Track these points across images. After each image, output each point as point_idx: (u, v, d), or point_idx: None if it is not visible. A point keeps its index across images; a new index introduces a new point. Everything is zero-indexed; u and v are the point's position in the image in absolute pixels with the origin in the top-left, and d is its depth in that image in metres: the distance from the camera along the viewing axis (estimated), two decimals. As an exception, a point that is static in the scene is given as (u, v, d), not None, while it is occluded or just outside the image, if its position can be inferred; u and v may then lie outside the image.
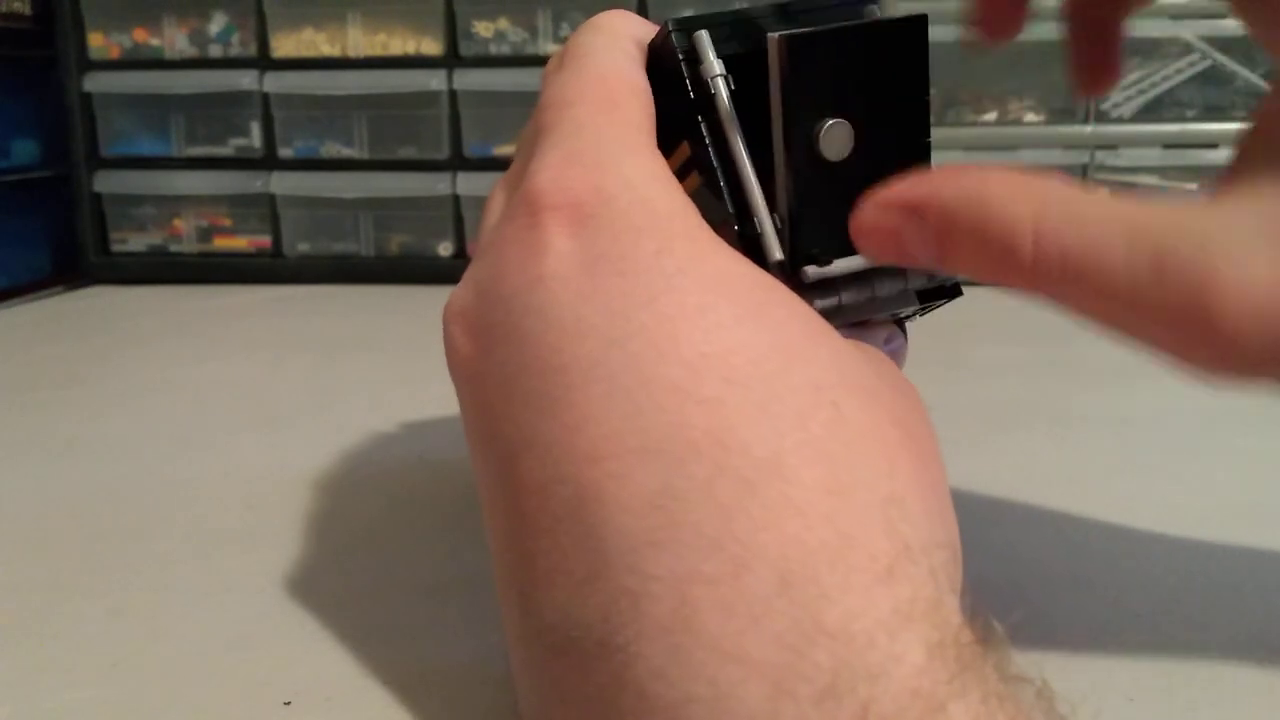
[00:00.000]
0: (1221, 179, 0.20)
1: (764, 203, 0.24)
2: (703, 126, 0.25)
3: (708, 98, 0.25)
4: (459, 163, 0.92)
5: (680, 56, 0.25)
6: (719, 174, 0.25)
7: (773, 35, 0.24)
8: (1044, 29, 0.95)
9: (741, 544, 0.18)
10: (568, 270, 0.21)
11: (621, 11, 0.27)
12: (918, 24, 0.25)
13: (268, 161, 0.94)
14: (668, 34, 0.25)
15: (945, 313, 0.31)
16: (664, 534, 0.18)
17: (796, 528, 0.18)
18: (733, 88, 0.25)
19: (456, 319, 0.23)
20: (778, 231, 0.24)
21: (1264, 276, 0.17)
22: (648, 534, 0.18)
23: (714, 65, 0.25)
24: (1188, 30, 0.83)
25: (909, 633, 0.17)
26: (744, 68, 0.25)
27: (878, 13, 0.27)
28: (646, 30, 0.27)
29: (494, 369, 0.22)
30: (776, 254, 0.24)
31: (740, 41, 0.25)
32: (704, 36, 0.25)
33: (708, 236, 0.22)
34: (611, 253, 0.21)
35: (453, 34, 0.90)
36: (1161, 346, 0.19)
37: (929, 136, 0.26)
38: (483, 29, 0.90)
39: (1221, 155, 0.83)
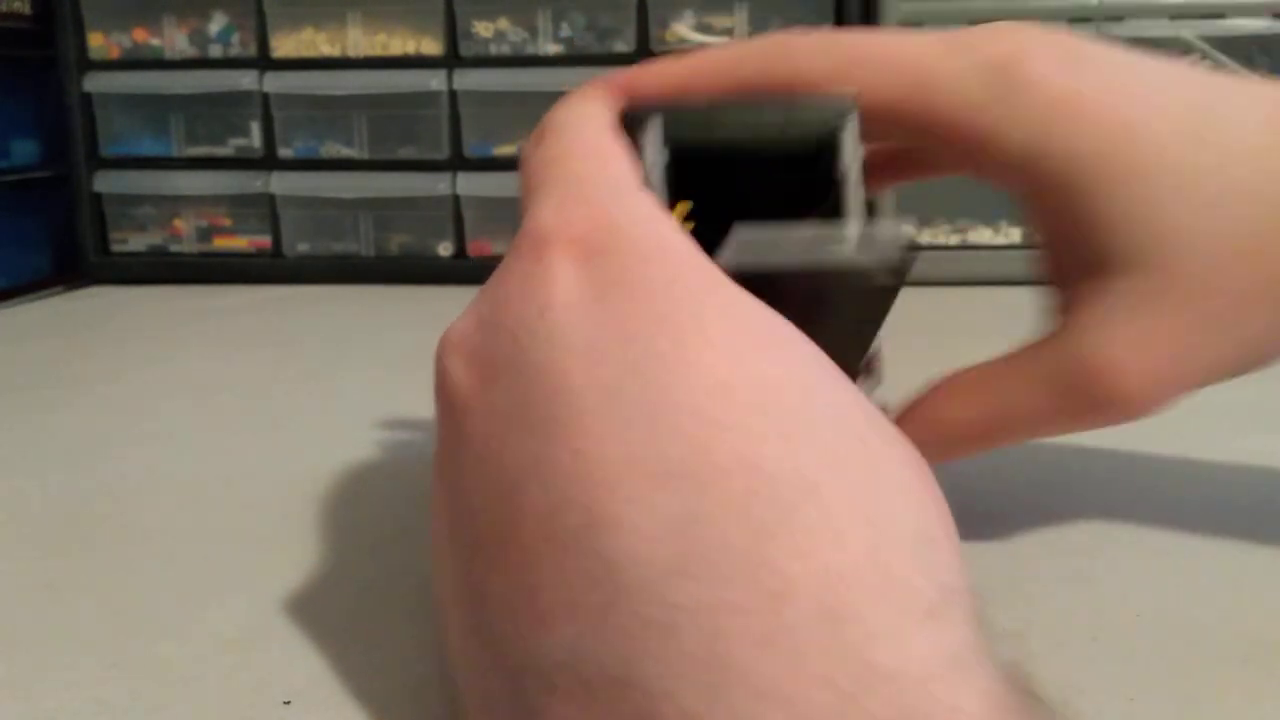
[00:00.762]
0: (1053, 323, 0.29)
1: None
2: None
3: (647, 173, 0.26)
4: (459, 163, 0.92)
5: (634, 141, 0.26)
6: None
7: (721, 259, 0.24)
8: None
9: (778, 572, 0.16)
10: (577, 298, 0.20)
11: (595, 85, 0.27)
12: (877, 276, 0.24)
13: (268, 161, 0.94)
14: (625, 122, 0.26)
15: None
16: (690, 561, 0.17)
17: (836, 557, 0.16)
18: (673, 180, 0.26)
19: (455, 350, 0.22)
20: None
21: (1124, 357, 0.27)
22: (671, 561, 0.17)
23: (656, 156, 0.26)
24: (1188, 30, 0.83)
25: (964, 681, 0.16)
26: (702, 167, 0.26)
27: (852, 116, 0.26)
28: (616, 105, 0.27)
29: (497, 398, 0.20)
30: None
31: (700, 133, 0.27)
32: (656, 123, 0.26)
33: (713, 269, 0.21)
34: (623, 280, 0.20)
35: (453, 34, 0.90)
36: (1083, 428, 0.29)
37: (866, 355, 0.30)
38: (483, 29, 0.90)
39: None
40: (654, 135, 0.26)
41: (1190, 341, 0.26)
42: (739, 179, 0.29)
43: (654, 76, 0.28)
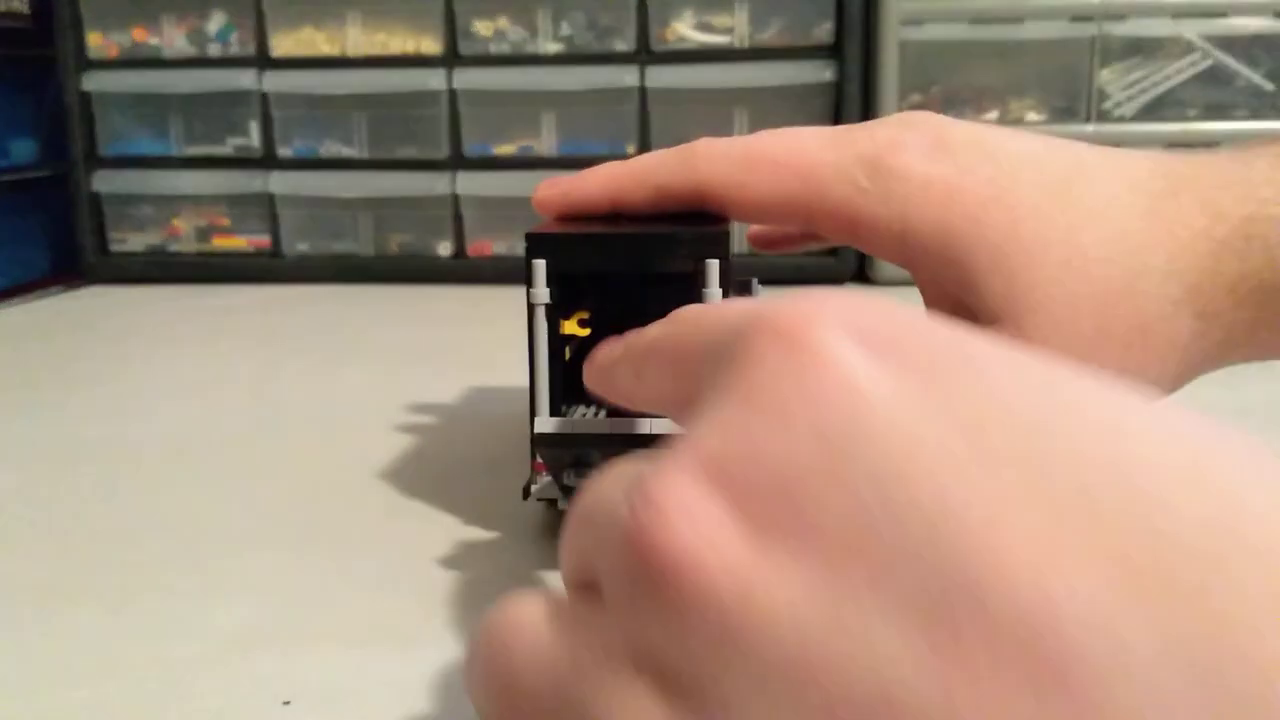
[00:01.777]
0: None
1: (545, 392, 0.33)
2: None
3: (531, 308, 0.32)
4: (458, 162, 0.92)
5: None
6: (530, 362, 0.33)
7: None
8: (1045, 28, 0.96)
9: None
10: (880, 376, 0.15)
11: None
12: None
13: (267, 161, 0.94)
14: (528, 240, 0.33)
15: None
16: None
17: None
18: (554, 305, 0.32)
19: (699, 508, 0.15)
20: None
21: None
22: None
23: (541, 294, 0.32)
24: (1189, 29, 0.83)
25: None
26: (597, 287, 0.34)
27: (720, 247, 0.32)
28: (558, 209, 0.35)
29: (808, 536, 0.14)
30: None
31: (589, 260, 0.33)
32: (540, 266, 0.32)
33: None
34: (918, 349, 0.15)
35: (452, 33, 0.90)
36: None
37: None
38: (482, 28, 0.90)
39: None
40: (540, 274, 0.32)
41: None
42: (629, 293, 0.35)
43: (590, 182, 0.34)
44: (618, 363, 0.23)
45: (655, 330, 0.21)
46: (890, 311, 0.16)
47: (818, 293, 0.17)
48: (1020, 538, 0.13)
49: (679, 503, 0.15)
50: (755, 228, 0.43)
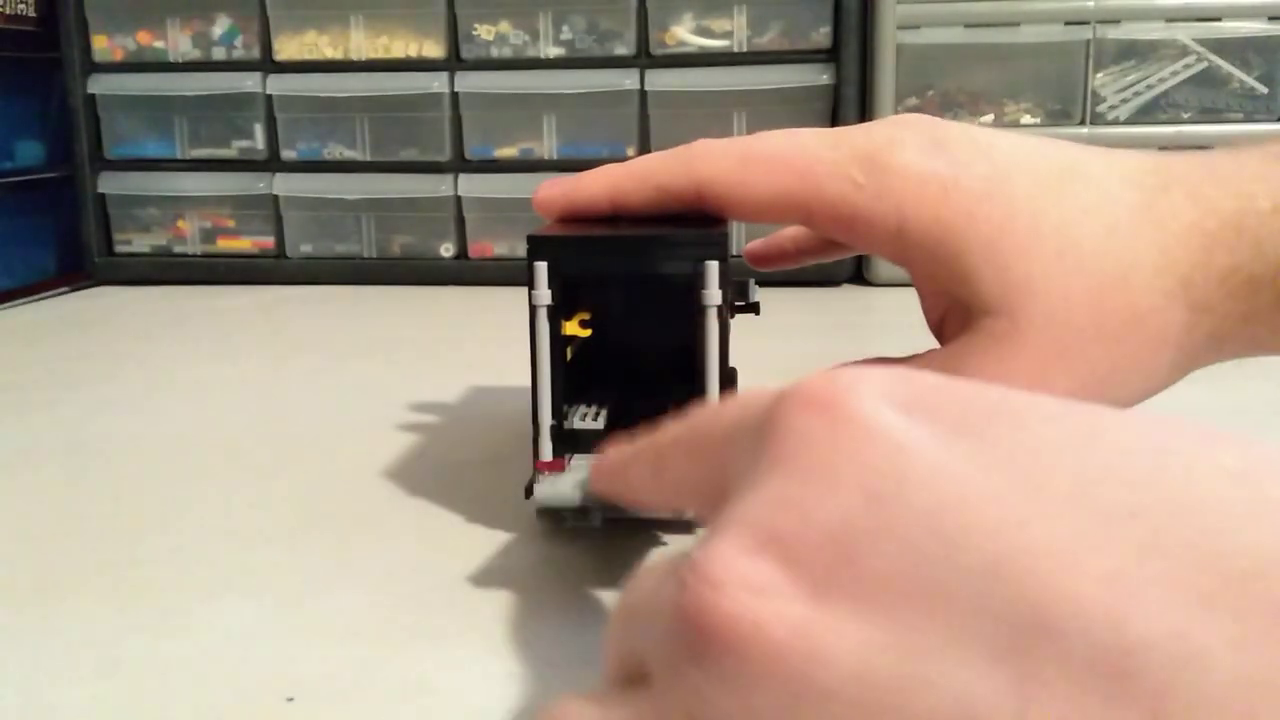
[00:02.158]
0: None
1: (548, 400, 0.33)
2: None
3: (533, 310, 0.33)
4: (461, 164, 0.92)
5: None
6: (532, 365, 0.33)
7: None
8: (1041, 31, 0.97)
9: None
10: (919, 433, 0.15)
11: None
12: None
13: (271, 163, 0.94)
14: (529, 243, 0.33)
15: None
16: None
17: None
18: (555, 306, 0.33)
19: (755, 575, 0.15)
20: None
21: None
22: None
23: (543, 296, 0.32)
24: (1183, 33, 0.83)
25: None
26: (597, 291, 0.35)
27: (718, 250, 0.32)
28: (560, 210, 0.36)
29: (869, 590, 0.14)
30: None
31: (589, 263, 0.33)
32: (541, 268, 0.32)
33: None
34: (948, 404, 0.16)
35: (454, 37, 0.90)
36: None
37: None
38: (484, 31, 0.90)
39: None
40: (541, 276, 0.32)
41: (1042, 374, 0.30)
42: (629, 294, 0.37)
43: (590, 183, 0.35)
44: (632, 461, 0.23)
45: (673, 426, 0.21)
46: (913, 376, 0.16)
47: (839, 368, 0.17)
48: (1090, 573, 0.13)
49: (734, 572, 0.14)
50: (752, 245, 0.44)
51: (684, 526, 0.35)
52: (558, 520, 0.34)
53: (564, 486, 0.33)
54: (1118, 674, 0.12)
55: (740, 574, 0.14)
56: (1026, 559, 0.13)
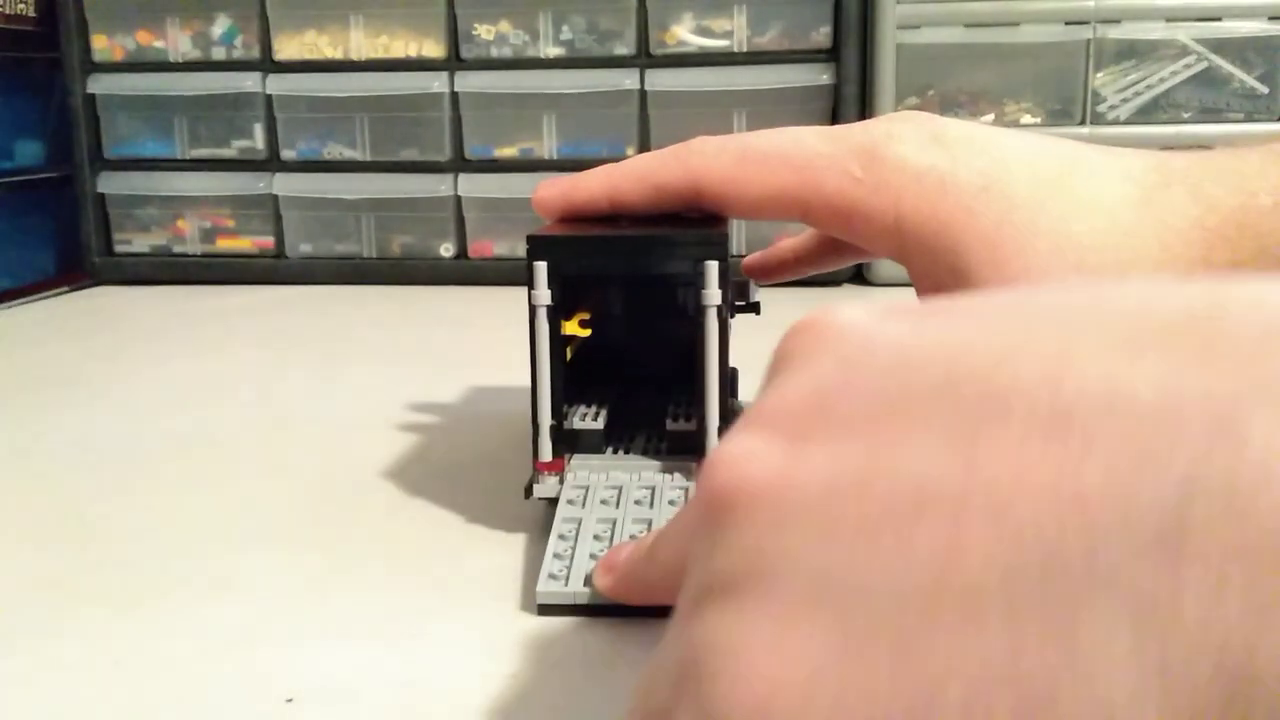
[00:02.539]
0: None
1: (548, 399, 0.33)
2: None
3: (533, 309, 0.33)
4: (460, 164, 0.92)
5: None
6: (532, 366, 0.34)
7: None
8: (1040, 31, 0.97)
9: None
10: (890, 323, 0.16)
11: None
12: None
13: (271, 163, 0.94)
14: (529, 243, 0.33)
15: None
16: None
17: None
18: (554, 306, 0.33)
19: (747, 448, 0.16)
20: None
21: None
22: None
23: (543, 296, 0.33)
24: (1183, 33, 0.83)
25: None
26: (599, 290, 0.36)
27: (718, 249, 0.32)
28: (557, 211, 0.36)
29: (835, 426, 0.15)
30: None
31: (590, 262, 0.33)
32: (541, 268, 0.33)
33: None
34: (929, 308, 0.16)
35: (454, 36, 0.90)
36: None
37: None
38: (484, 31, 0.90)
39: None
40: (541, 276, 0.32)
41: None
42: (629, 294, 0.37)
43: (589, 182, 0.35)
44: (635, 561, 0.25)
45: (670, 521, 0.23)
46: (895, 303, 0.17)
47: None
48: (1032, 355, 0.14)
49: (728, 452, 0.16)
50: (752, 257, 0.44)
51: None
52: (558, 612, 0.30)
53: (571, 584, 0.30)
54: (1042, 406, 0.13)
55: (732, 452, 0.16)
56: (972, 359, 0.14)
